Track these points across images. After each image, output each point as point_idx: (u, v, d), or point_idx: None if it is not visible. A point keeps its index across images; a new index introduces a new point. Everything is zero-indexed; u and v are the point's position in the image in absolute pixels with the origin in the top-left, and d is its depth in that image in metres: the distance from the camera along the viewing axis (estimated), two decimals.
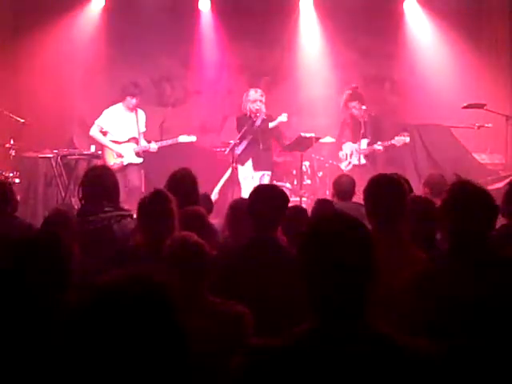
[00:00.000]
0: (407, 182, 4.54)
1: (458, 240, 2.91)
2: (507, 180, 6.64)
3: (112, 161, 9.07)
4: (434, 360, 1.91)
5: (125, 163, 9.09)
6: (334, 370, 1.85)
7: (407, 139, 8.81)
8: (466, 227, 2.88)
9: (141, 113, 9.30)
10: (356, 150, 9.19)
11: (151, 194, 3.97)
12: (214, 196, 8.52)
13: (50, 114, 9.94)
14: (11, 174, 8.72)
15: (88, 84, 10.52)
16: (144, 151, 9.22)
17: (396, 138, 8.86)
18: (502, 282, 2.79)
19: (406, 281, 2.89)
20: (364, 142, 9.11)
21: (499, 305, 2.73)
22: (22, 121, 9.04)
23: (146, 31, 10.43)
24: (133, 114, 9.24)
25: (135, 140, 9.21)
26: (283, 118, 8.73)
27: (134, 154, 9.18)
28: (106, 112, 9.23)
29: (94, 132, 9.23)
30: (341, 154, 9.35)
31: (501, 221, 4.21)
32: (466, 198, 2.92)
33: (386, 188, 3.57)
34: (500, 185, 7.59)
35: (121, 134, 9.19)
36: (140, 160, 9.18)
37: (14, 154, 8.94)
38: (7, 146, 8.91)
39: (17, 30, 10.29)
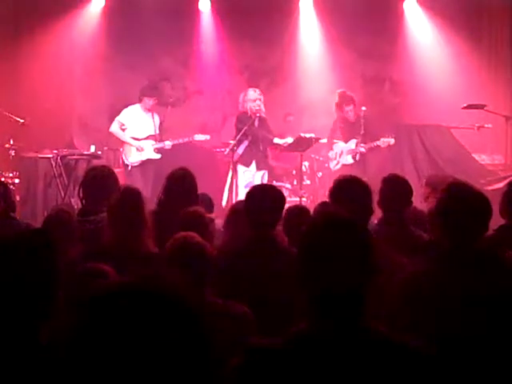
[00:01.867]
0: (407, 182, 4.55)
1: (450, 241, 2.91)
2: (507, 180, 6.64)
3: (132, 157, 9.26)
4: (432, 358, 1.91)
5: (144, 158, 9.27)
6: (333, 369, 1.85)
7: (392, 141, 8.68)
8: (459, 228, 2.87)
9: (156, 116, 9.49)
10: (344, 150, 9.19)
11: (119, 192, 3.97)
12: (223, 202, 8.58)
13: (50, 114, 9.94)
14: (11, 174, 8.73)
15: (88, 84, 10.52)
16: (158, 149, 9.38)
17: (382, 139, 8.74)
18: (492, 283, 2.78)
19: (395, 286, 2.90)
20: (353, 142, 9.10)
21: (489, 305, 2.73)
22: (22, 121, 9.04)
23: (146, 31, 10.42)
24: (149, 115, 9.41)
25: (153, 137, 9.40)
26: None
27: (152, 149, 9.35)
28: (125, 110, 9.44)
29: (115, 128, 9.42)
30: (331, 153, 9.35)
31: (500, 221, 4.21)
32: (459, 200, 2.92)
33: (346, 189, 3.65)
34: (500, 185, 7.59)
35: (140, 131, 9.38)
36: (158, 156, 9.35)
37: (13, 154, 8.94)
38: (7, 146, 8.91)
39: (17, 30, 10.30)
